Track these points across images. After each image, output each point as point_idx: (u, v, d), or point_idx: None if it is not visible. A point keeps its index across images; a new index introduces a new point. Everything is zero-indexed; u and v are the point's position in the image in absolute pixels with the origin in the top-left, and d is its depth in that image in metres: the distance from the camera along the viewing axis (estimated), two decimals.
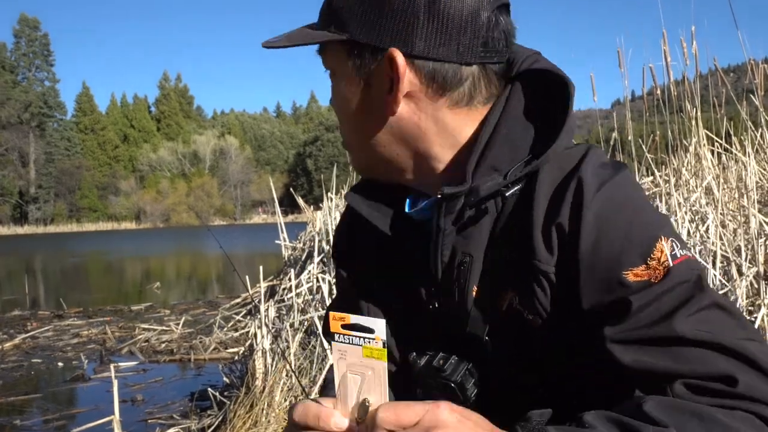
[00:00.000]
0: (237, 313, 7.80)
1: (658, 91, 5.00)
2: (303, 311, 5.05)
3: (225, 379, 4.74)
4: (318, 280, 5.48)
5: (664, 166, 4.86)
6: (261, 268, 4.78)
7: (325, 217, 6.67)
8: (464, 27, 0.86)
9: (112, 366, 4.71)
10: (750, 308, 3.50)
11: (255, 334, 4.29)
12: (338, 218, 6.31)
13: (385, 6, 0.87)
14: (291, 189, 8.56)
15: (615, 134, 5.21)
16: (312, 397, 0.78)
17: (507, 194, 0.89)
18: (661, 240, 0.81)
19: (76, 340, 7.54)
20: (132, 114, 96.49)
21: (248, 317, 7.41)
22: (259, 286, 5.04)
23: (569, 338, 0.86)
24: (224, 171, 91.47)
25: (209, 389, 4.39)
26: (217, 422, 3.84)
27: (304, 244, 7.71)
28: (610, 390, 0.82)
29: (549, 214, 0.85)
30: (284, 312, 5.54)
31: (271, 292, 6.96)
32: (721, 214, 3.93)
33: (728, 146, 4.62)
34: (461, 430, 0.68)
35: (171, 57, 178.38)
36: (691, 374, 0.76)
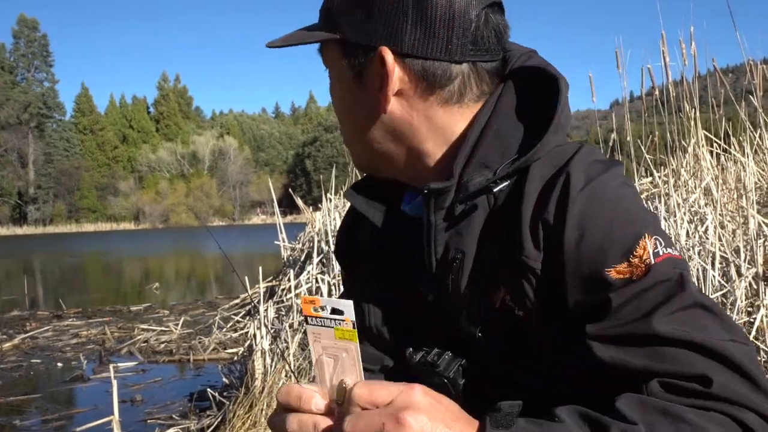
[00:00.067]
0: (236, 314, 7.79)
1: (657, 92, 5.01)
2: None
3: (224, 379, 4.74)
4: (317, 281, 5.48)
5: (662, 167, 4.87)
6: (260, 268, 4.78)
7: (324, 218, 6.67)
8: (452, 25, 0.86)
9: (111, 366, 4.71)
10: (749, 309, 3.51)
11: (254, 335, 4.29)
12: (337, 219, 6.36)
13: (375, 5, 0.88)
14: (290, 190, 8.56)
15: (614, 135, 5.21)
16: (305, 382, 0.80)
17: (495, 190, 0.89)
18: (645, 238, 0.81)
19: (75, 341, 7.53)
20: (131, 114, 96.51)
21: (247, 318, 7.41)
22: (258, 287, 5.04)
23: (559, 335, 0.86)
24: (223, 172, 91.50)
25: (208, 390, 4.39)
26: (216, 423, 3.85)
27: (303, 245, 7.72)
28: (603, 387, 0.81)
29: (536, 210, 0.86)
30: (283, 313, 5.54)
31: (270, 293, 6.97)
32: (720, 214, 3.94)
33: (727, 147, 4.63)
34: (432, 413, 0.69)
35: (170, 58, 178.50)
36: (666, 373, 0.76)
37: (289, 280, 5.83)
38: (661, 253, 0.80)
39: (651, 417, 0.71)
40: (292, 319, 4.63)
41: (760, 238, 3.66)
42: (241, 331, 6.99)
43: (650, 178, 5.12)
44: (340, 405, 0.75)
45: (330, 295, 5.03)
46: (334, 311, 0.75)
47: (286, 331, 4.09)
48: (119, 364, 6.10)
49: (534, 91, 0.93)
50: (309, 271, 6.01)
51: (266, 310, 4.18)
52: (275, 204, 6.75)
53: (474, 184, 0.90)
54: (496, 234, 0.90)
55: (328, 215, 6.61)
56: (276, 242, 7.53)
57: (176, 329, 7.67)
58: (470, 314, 0.93)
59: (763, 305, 3.31)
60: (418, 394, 0.71)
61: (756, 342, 3.27)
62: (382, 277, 1.06)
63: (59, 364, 6.37)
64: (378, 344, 1.11)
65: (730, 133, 4.74)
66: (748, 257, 3.58)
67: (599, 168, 0.87)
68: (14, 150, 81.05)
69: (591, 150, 0.91)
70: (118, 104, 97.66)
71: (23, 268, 20.53)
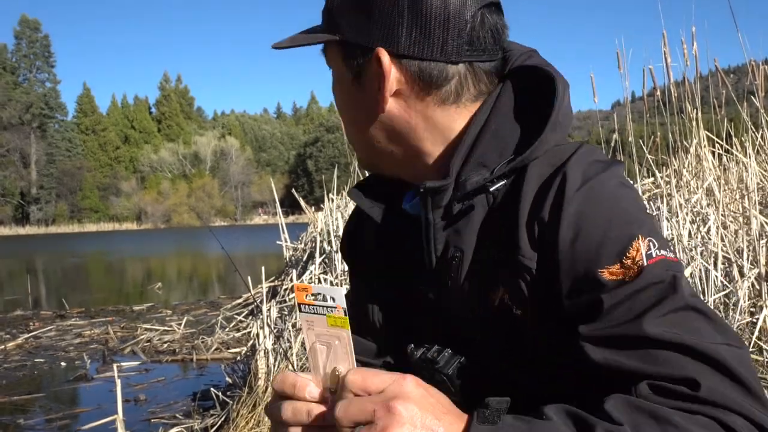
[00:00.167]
0: (239, 314, 7.80)
1: (658, 93, 5.02)
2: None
3: (227, 379, 4.75)
4: (320, 281, 5.49)
5: (664, 168, 4.87)
6: (263, 268, 4.79)
7: (327, 218, 6.68)
8: (447, 26, 0.87)
9: (115, 366, 4.71)
10: (752, 309, 3.52)
11: (257, 335, 4.30)
12: (340, 219, 6.35)
13: (372, 7, 0.89)
14: (293, 190, 8.56)
15: (615, 135, 5.22)
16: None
17: (491, 189, 0.90)
18: (638, 239, 0.81)
19: (78, 340, 7.54)
20: (133, 115, 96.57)
21: (250, 317, 7.42)
22: (261, 287, 5.05)
23: (554, 334, 0.86)
24: (225, 172, 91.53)
25: (212, 389, 4.40)
26: (219, 422, 3.85)
27: (305, 245, 7.72)
28: (597, 387, 0.82)
29: (533, 209, 0.86)
30: (286, 312, 5.55)
31: (273, 293, 6.97)
32: (722, 215, 3.95)
33: (729, 148, 4.63)
34: (423, 404, 0.70)
35: (171, 58, 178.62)
36: (656, 375, 0.76)
37: (291, 280, 5.84)
38: (654, 255, 0.80)
39: (637, 419, 0.71)
40: (295, 318, 4.63)
41: (762, 239, 3.66)
42: (244, 331, 6.99)
43: (652, 179, 5.13)
44: (333, 392, 0.76)
45: None
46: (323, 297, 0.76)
47: (289, 331, 4.09)
48: (123, 364, 6.10)
49: (533, 90, 0.93)
50: (311, 271, 6.02)
51: (269, 309, 4.19)
52: (277, 204, 6.75)
53: (471, 183, 0.90)
54: (494, 233, 0.90)
55: (331, 215, 6.61)
56: (278, 242, 7.54)
57: (179, 329, 7.68)
58: (469, 312, 0.94)
59: (766, 305, 3.32)
60: (410, 384, 0.72)
61: (759, 342, 3.28)
62: (384, 276, 1.07)
63: (63, 364, 6.38)
64: (381, 341, 1.12)
65: (732, 133, 4.74)
66: (750, 258, 3.59)
67: (597, 168, 0.87)
68: (17, 150, 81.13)
69: (591, 150, 0.91)
70: (119, 104, 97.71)
71: (26, 268, 20.56)
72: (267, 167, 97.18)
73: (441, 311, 0.98)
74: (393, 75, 0.90)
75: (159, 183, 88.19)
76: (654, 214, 4.03)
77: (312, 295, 0.76)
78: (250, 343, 5.53)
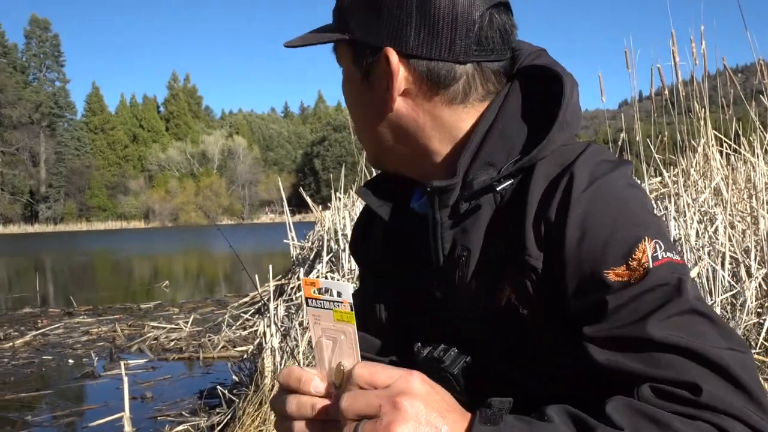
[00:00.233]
0: (245, 312, 7.82)
1: (666, 92, 5.00)
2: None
3: (234, 377, 4.76)
4: (326, 278, 5.49)
5: (672, 167, 4.85)
6: (270, 267, 4.80)
7: (334, 217, 6.69)
8: (455, 26, 0.87)
9: (122, 363, 4.74)
10: (759, 310, 3.50)
11: (264, 333, 4.31)
12: (347, 218, 6.35)
13: (381, 7, 0.90)
14: (300, 189, 8.58)
15: (623, 134, 5.20)
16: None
17: (498, 189, 0.90)
18: (645, 241, 0.80)
19: (86, 338, 7.58)
20: (141, 114, 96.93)
21: (257, 316, 7.44)
22: (268, 285, 5.06)
23: (559, 334, 0.86)
24: (232, 171, 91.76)
25: (218, 387, 4.41)
26: (226, 420, 3.87)
27: (312, 244, 7.74)
28: (599, 388, 0.81)
29: (540, 209, 0.86)
30: (293, 311, 5.56)
31: (280, 291, 6.99)
32: (729, 215, 3.93)
33: (737, 147, 4.61)
34: (428, 401, 0.71)
35: (180, 57, 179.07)
36: (659, 378, 0.75)
37: (298, 278, 5.85)
38: (660, 257, 0.80)
39: (638, 423, 0.71)
40: (302, 317, 4.64)
41: None
42: (251, 329, 7.01)
43: (659, 178, 5.11)
44: (338, 387, 0.76)
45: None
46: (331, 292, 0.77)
47: (296, 329, 4.10)
48: (129, 362, 6.13)
49: (541, 90, 0.93)
50: (319, 270, 6.03)
51: (276, 308, 4.20)
52: (285, 203, 6.77)
53: (478, 183, 0.91)
54: (502, 232, 0.90)
55: (338, 214, 6.62)
56: (285, 241, 7.56)
57: (186, 327, 7.71)
58: (475, 311, 0.94)
59: None
60: (417, 380, 0.72)
61: (766, 343, 3.26)
62: (391, 274, 1.08)
63: (70, 361, 6.41)
64: (387, 339, 1.12)
65: (740, 133, 4.72)
66: (758, 258, 3.57)
67: (605, 168, 0.87)
68: (26, 149, 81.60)
69: (598, 150, 0.91)
70: (128, 104, 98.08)
71: (34, 265, 20.66)
72: (274, 166, 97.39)
73: (446, 310, 0.98)
74: (401, 74, 0.91)
75: (167, 182, 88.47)
76: (661, 213, 4.02)
77: (319, 289, 0.77)
78: (256, 342, 5.54)
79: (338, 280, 5.60)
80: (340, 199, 6.86)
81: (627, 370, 0.77)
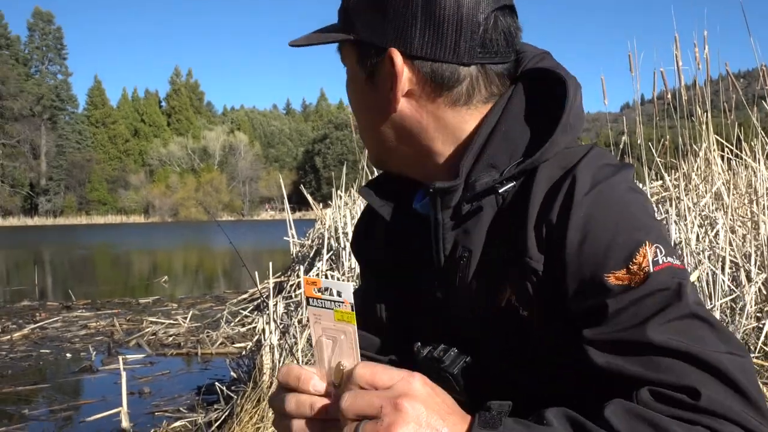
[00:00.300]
0: (244, 309, 7.83)
1: (669, 96, 5.00)
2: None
3: (232, 373, 4.75)
4: (327, 277, 5.50)
5: (673, 171, 4.86)
6: (270, 264, 4.81)
7: (335, 215, 6.69)
8: (460, 28, 0.88)
9: (120, 358, 4.75)
10: (758, 314, 3.50)
11: (263, 330, 4.31)
12: (348, 216, 6.34)
13: (386, 7, 0.90)
14: (301, 186, 8.57)
15: (624, 138, 5.20)
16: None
17: (501, 191, 0.90)
18: (645, 245, 0.81)
19: (84, 332, 7.57)
20: (143, 108, 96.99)
21: (255, 313, 7.44)
22: (268, 282, 5.06)
23: (559, 335, 0.86)
24: (233, 167, 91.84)
25: (216, 383, 4.41)
26: (223, 416, 3.87)
27: (312, 242, 7.74)
28: (598, 389, 0.82)
29: (541, 211, 0.86)
30: (292, 308, 5.56)
31: (279, 288, 6.99)
32: (730, 219, 3.93)
33: (738, 152, 4.61)
34: (429, 403, 0.71)
35: (182, 53, 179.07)
36: (658, 382, 0.76)
37: (298, 276, 5.85)
38: (660, 262, 0.80)
39: (637, 427, 0.72)
40: (301, 314, 4.65)
41: None
42: (249, 326, 7.01)
43: (661, 182, 5.11)
44: (337, 387, 0.76)
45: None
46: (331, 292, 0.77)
47: (295, 327, 4.10)
48: (128, 356, 6.12)
49: (544, 92, 0.94)
50: (318, 268, 6.04)
51: (275, 305, 4.20)
52: (285, 200, 6.77)
53: (481, 184, 0.91)
54: (503, 233, 0.91)
55: (339, 212, 6.63)
56: (285, 238, 7.56)
57: (184, 323, 7.70)
58: (475, 312, 0.94)
59: None
60: (418, 382, 0.72)
61: (765, 347, 3.26)
62: (392, 274, 1.08)
63: (68, 355, 6.41)
64: (387, 339, 1.12)
65: (742, 138, 4.71)
66: (758, 262, 3.58)
67: (607, 171, 0.87)
68: (27, 141, 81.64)
69: (601, 153, 0.91)
70: (130, 98, 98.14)
71: (33, 258, 20.66)
72: (275, 163, 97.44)
73: (447, 310, 0.98)
74: (405, 75, 0.91)
75: (167, 177, 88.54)
76: (662, 217, 4.02)
77: (320, 289, 0.77)
78: (255, 338, 5.54)
79: (338, 278, 5.60)
80: (341, 198, 6.86)
81: (626, 373, 0.78)
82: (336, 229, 6.41)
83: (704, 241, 3.87)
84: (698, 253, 3.69)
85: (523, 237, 0.87)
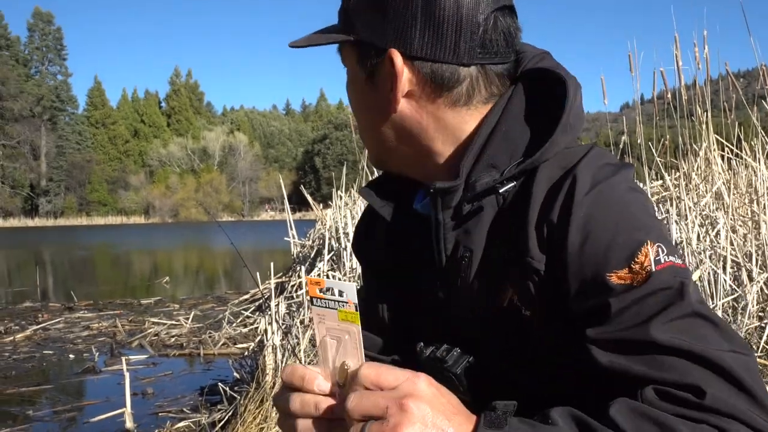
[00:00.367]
0: (246, 309, 7.84)
1: (669, 95, 5.01)
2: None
3: (235, 374, 4.77)
4: (328, 278, 5.50)
5: (674, 171, 4.87)
6: (272, 264, 4.82)
7: (335, 215, 6.70)
8: (460, 29, 0.88)
9: (123, 359, 4.76)
10: (760, 314, 3.51)
11: (265, 330, 4.32)
12: (348, 216, 6.34)
13: (386, 8, 0.90)
14: (301, 187, 8.58)
15: (624, 137, 5.22)
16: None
17: (501, 191, 0.90)
18: (647, 244, 0.81)
19: (86, 333, 7.58)
20: (143, 109, 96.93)
21: (257, 313, 7.45)
22: (269, 283, 5.07)
23: (561, 335, 0.87)
24: (233, 167, 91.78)
25: (219, 384, 4.43)
26: (227, 417, 3.88)
27: (313, 242, 7.75)
28: (599, 389, 0.82)
29: (542, 211, 0.87)
30: (294, 309, 5.57)
31: (280, 289, 7.00)
32: (731, 219, 3.94)
33: (738, 151, 4.62)
34: (435, 404, 0.71)
35: (182, 53, 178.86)
36: (661, 381, 0.76)
37: (299, 276, 5.86)
38: (662, 261, 0.80)
39: (642, 426, 0.72)
40: (303, 315, 4.66)
41: None
42: (251, 327, 7.02)
43: (661, 182, 5.12)
44: (341, 387, 0.77)
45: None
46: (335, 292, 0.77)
47: (297, 327, 4.11)
48: (130, 357, 6.13)
49: (544, 92, 0.94)
50: (320, 268, 6.05)
51: (277, 305, 4.21)
52: (286, 200, 6.78)
53: (481, 185, 0.91)
54: (504, 233, 0.91)
55: (339, 212, 6.64)
56: (286, 238, 7.57)
57: (186, 323, 7.71)
58: (476, 312, 0.94)
59: None
60: (423, 383, 0.72)
61: (767, 347, 3.28)
62: (393, 274, 1.08)
63: (71, 356, 6.42)
64: (389, 339, 1.13)
65: (742, 137, 4.73)
66: (759, 262, 3.59)
67: (607, 171, 0.87)
68: (27, 142, 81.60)
69: (601, 153, 0.92)
70: (130, 98, 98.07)
71: (34, 259, 20.67)
72: (275, 163, 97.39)
73: (447, 310, 0.99)
74: (405, 76, 0.91)
75: (167, 177, 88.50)
76: (663, 217, 4.03)
77: (324, 289, 0.77)
78: (257, 339, 5.56)
79: (341, 279, 5.61)
80: (341, 198, 6.88)
81: (630, 372, 0.78)
82: (337, 230, 6.42)
83: (705, 240, 3.88)
84: (699, 253, 3.70)
85: (524, 237, 0.87)
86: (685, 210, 4.01)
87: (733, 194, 4.14)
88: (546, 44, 1.01)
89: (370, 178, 1.19)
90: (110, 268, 19.23)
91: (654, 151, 4.87)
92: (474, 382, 0.94)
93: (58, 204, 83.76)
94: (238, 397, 3.90)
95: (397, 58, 0.90)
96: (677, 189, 4.23)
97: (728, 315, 3.52)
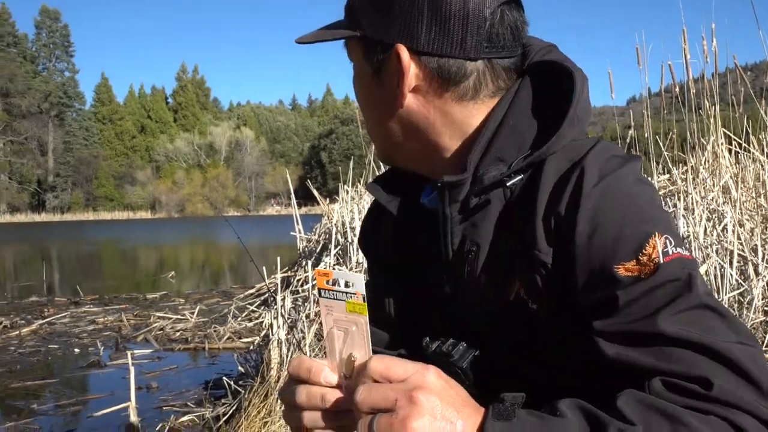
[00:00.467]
0: (251, 303, 7.85)
1: (677, 89, 4.97)
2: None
3: (239, 368, 4.77)
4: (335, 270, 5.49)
5: (681, 164, 4.84)
6: (278, 259, 4.81)
7: (342, 210, 6.69)
8: (466, 23, 0.88)
9: (128, 353, 4.76)
10: (766, 308, 3.49)
11: (271, 325, 4.32)
12: (355, 211, 6.34)
13: (393, 4, 0.90)
14: (307, 181, 8.58)
15: (631, 131, 5.18)
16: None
17: (508, 184, 0.90)
18: (655, 236, 0.81)
19: (92, 327, 7.61)
20: (149, 105, 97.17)
21: (263, 307, 7.46)
22: (275, 277, 5.07)
23: (568, 327, 0.86)
24: (239, 162, 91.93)
25: (224, 378, 4.43)
26: (231, 411, 3.88)
27: (319, 236, 7.75)
28: (607, 381, 0.82)
29: (550, 204, 0.86)
30: (300, 303, 5.57)
31: (286, 284, 7.00)
32: (738, 213, 3.91)
33: (746, 145, 4.59)
34: (444, 396, 0.71)
35: (189, 49, 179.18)
36: (669, 372, 0.76)
37: (305, 270, 5.85)
38: (670, 253, 0.80)
39: (650, 417, 0.71)
40: (309, 309, 4.65)
41: None
42: (256, 321, 7.03)
43: (668, 176, 5.09)
44: (348, 378, 0.77)
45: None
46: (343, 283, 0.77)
47: (303, 322, 4.11)
48: (135, 351, 6.15)
49: (551, 85, 0.93)
50: (326, 262, 6.04)
51: (283, 299, 4.21)
52: (292, 195, 6.78)
53: (489, 178, 0.91)
54: (511, 227, 0.91)
55: (346, 207, 6.63)
56: (292, 233, 7.56)
57: (191, 318, 7.74)
58: (483, 305, 0.94)
59: None
60: (432, 375, 0.72)
61: None
62: (400, 268, 1.08)
63: (76, 350, 6.45)
64: (395, 333, 1.13)
65: (750, 131, 4.69)
66: (766, 256, 3.56)
67: (615, 163, 0.87)
68: (34, 138, 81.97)
69: (608, 145, 0.91)
70: (137, 94, 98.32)
71: (41, 254, 20.75)
72: (281, 158, 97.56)
73: (454, 304, 0.98)
74: (412, 71, 0.91)
75: (174, 172, 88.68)
76: (670, 211, 4.01)
77: (332, 280, 0.77)
78: (263, 333, 5.56)
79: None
80: (347, 192, 6.86)
81: (638, 364, 0.78)
82: (343, 224, 6.41)
83: (712, 234, 3.86)
84: (706, 247, 3.68)
85: (532, 230, 0.87)
86: (693, 204, 3.98)
87: (741, 188, 4.11)
88: (552, 37, 1.00)
89: (377, 173, 1.18)
90: (116, 263, 19.29)
91: (661, 145, 4.83)
92: (481, 375, 0.93)
93: (65, 199, 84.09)
94: (243, 392, 3.91)
95: (404, 53, 0.90)
96: (684, 183, 4.21)
97: (734, 309, 3.49)
